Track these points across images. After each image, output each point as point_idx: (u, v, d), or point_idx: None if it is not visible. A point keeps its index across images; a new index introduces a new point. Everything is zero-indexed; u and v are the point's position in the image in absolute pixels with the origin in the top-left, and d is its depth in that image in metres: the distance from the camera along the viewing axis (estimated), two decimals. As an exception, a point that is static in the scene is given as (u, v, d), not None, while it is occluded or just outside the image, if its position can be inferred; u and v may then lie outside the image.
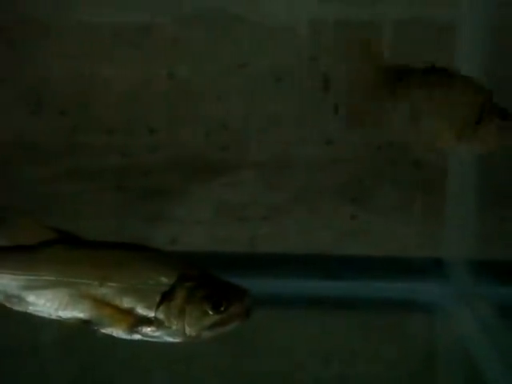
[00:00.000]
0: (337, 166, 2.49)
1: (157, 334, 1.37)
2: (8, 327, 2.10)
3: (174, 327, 1.36)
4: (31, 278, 1.38)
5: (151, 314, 1.36)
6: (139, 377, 2.12)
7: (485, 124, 1.83)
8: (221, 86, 2.47)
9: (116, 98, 2.46)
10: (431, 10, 2.40)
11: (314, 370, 2.20)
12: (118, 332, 1.38)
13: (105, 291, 1.36)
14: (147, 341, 1.40)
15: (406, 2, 2.43)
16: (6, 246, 1.41)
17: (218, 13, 2.42)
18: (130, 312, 1.36)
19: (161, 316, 1.36)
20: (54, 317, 1.40)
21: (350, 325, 2.37)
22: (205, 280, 1.38)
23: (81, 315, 1.38)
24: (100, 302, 1.36)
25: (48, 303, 1.38)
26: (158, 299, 1.36)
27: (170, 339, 1.39)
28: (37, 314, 1.41)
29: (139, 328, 1.37)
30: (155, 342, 1.40)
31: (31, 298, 1.39)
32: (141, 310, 1.36)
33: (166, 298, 1.36)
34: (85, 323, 1.39)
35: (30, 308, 1.40)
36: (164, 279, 1.37)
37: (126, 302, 1.36)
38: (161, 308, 1.36)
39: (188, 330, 1.36)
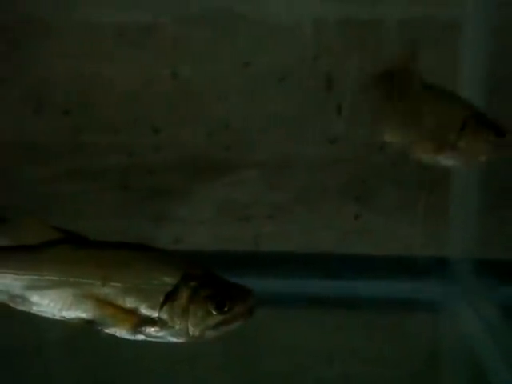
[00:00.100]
0: (340, 166, 2.49)
1: (160, 334, 1.37)
2: (12, 327, 2.11)
3: (177, 327, 1.36)
4: (35, 277, 1.38)
5: (155, 314, 1.36)
6: (142, 377, 2.12)
7: (467, 138, 1.84)
8: (224, 85, 2.47)
9: (119, 97, 2.46)
10: (434, 9, 2.40)
11: (317, 370, 2.19)
12: (122, 332, 1.38)
13: (108, 291, 1.36)
14: (150, 341, 1.40)
15: (408, 2, 2.43)
16: (10, 245, 1.42)
17: (221, 12, 2.42)
18: (133, 312, 1.36)
19: (164, 316, 1.36)
20: (57, 317, 1.40)
21: (353, 324, 2.37)
22: (208, 280, 1.38)
23: (84, 315, 1.38)
24: (103, 302, 1.36)
25: (51, 303, 1.38)
26: (161, 299, 1.35)
27: (174, 339, 1.39)
28: (40, 314, 1.41)
29: (143, 328, 1.37)
30: (158, 342, 1.40)
31: (35, 298, 1.39)
32: (144, 310, 1.36)
33: (169, 298, 1.36)
34: (88, 323, 1.38)
35: (34, 308, 1.40)
36: (167, 279, 1.36)
37: (130, 302, 1.36)
38: (164, 308, 1.35)
39: (191, 330, 1.36)
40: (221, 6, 2.42)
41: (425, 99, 1.95)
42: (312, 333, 2.33)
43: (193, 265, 1.40)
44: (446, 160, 1.91)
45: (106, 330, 1.39)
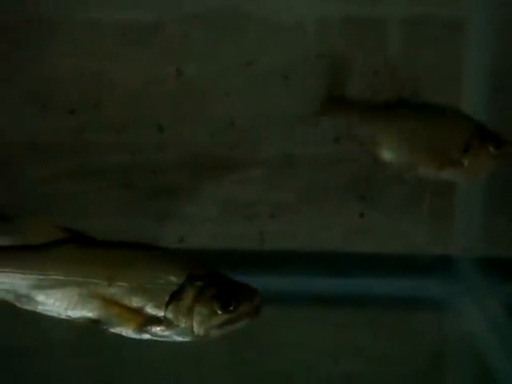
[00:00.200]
0: (345, 164, 2.48)
1: (166, 333, 1.37)
2: (15, 327, 2.11)
3: (182, 326, 1.37)
4: (40, 277, 1.38)
5: (160, 314, 1.36)
6: (146, 375, 2.12)
7: (472, 154, 1.85)
8: (227, 84, 2.47)
9: (123, 96, 2.46)
10: (437, 8, 2.40)
11: (322, 368, 2.19)
12: (127, 331, 1.38)
13: (114, 291, 1.36)
14: (156, 340, 1.40)
15: (410, 0, 2.43)
16: (16, 245, 1.42)
17: (224, 11, 2.42)
18: (138, 311, 1.36)
19: (170, 315, 1.36)
20: (63, 316, 1.40)
21: (357, 322, 2.37)
22: (214, 279, 1.38)
23: (90, 315, 1.38)
24: (109, 302, 1.36)
25: (57, 303, 1.39)
26: (166, 298, 1.36)
27: (179, 338, 1.39)
28: (46, 313, 1.41)
29: (148, 327, 1.37)
30: (163, 341, 1.40)
31: (40, 297, 1.39)
32: (150, 310, 1.36)
33: (174, 297, 1.36)
34: (94, 323, 1.39)
35: (40, 307, 1.40)
36: (173, 278, 1.37)
37: (135, 302, 1.36)
38: (170, 307, 1.36)
39: (197, 329, 1.37)
40: (224, 4, 2.42)
41: (426, 118, 1.95)
42: (316, 331, 2.32)
43: (198, 264, 1.40)
44: (449, 176, 1.91)
45: (112, 330, 1.39)
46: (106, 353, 2.09)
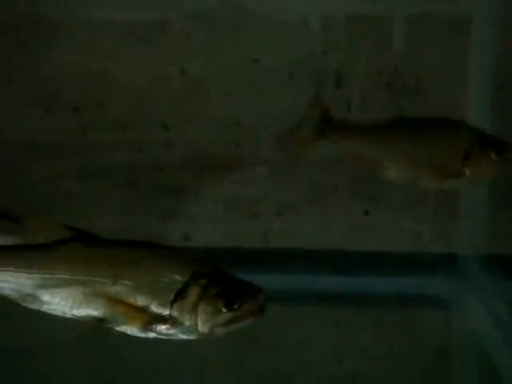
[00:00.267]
0: (350, 162, 2.48)
1: (170, 331, 1.38)
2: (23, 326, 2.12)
3: (187, 324, 1.37)
4: (46, 276, 1.39)
5: (165, 312, 1.36)
6: (148, 374, 2.12)
7: (473, 163, 1.86)
8: (232, 82, 2.47)
9: (128, 95, 2.46)
10: (444, 5, 2.40)
11: (326, 367, 2.19)
12: (132, 330, 1.38)
13: (119, 289, 1.37)
14: (159, 338, 1.40)
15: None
16: (21, 244, 1.42)
17: (229, 9, 2.42)
18: (144, 310, 1.36)
19: (175, 313, 1.36)
20: (68, 315, 1.40)
21: (362, 321, 2.36)
22: (218, 277, 1.39)
23: (95, 313, 1.38)
24: (114, 300, 1.37)
25: (62, 301, 1.39)
26: (171, 297, 1.36)
27: (184, 336, 1.39)
28: (51, 312, 1.41)
29: (153, 326, 1.37)
30: (165, 340, 1.40)
31: (46, 296, 1.39)
32: (155, 308, 1.36)
33: (179, 295, 1.36)
34: (99, 321, 1.39)
35: (45, 306, 1.40)
36: (177, 277, 1.37)
37: (140, 300, 1.36)
38: (175, 306, 1.36)
39: (201, 328, 1.37)
40: (229, 2, 2.42)
41: (425, 133, 1.96)
42: (320, 329, 2.33)
43: (202, 262, 1.41)
44: (452, 185, 1.92)
45: (117, 328, 1.39)
46: (108, 351, 2.10)
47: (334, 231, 2.55)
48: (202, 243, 2.54)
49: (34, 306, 1.40)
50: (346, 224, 2.55)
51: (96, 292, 1.37)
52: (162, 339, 1.40)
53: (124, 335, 1.39)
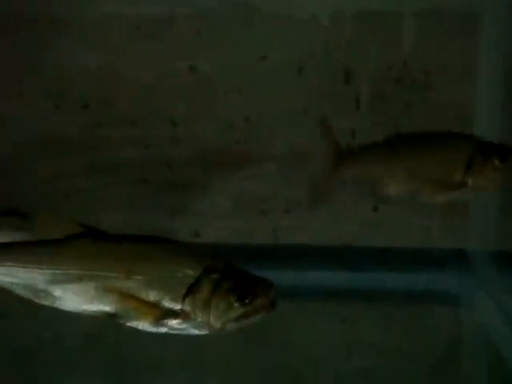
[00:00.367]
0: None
1: (182, 326, 1.38)
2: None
3: (199, 319, 1.37)
4: (58, 272, 1.39)
5: (177, 307, 1.36)
6: (157, 369, 2.12)
7: (476, 172, 1.84)
8: (241, 78, 2.47)
9: (137, 91, 2.46)
10: (453, 1, 2.39)
11: (335, 363, 2.19)
12: (144, 325, 1.39)
13: (131, 284, 1.37)
14: (170, 333, 1.40)
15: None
16: (33, 240, 1.42)
17: (238, 5, 2.42)
18: (155, 305, 1.36)
19: (187, 308, 1.36)
20: (80, 311, 1.40)
21: (371, 317, 2.36)
22: (230, 272, 1.39)
23: (107, 309, 1.39)
24: (126, 296, 1.37)
25: (74, 297, 1.39)
26: (183, 292, 1.36)
27: (196, 331, 1.39)
28: (63, 308, 1.41)
29: (165, 321, 1.37)
30: (175, 335, 1.40)
31: (58, 292, 1.40)
32: (167, 303, 1.36)
33: (191, 290, 1.36)
34: (111, 317, 1.39)
35: (57, 302, 1.40)
36: (189, 272, 1.37)
37: (152, 295, 1.37)
38: (187, 300, 1.36)
39: (213, 322, 1.37)
40: (237, -2, 2.42)
41: (425, 148, 1.95)
42: (329, 325, 2.32)
43: (214, 257, 1.41)
44: (457, 196, 1.91)
45: (129, 323, 1.39)
46: (121, 345, 2.10)
47: (343, 227, 2.55)
48: (211, 239, 2.54)
49: (46, 302, 1.41)
50: (355, 220, 2.54)
51: (108, 287, 1.37)
52: (170, 334, 1.40)
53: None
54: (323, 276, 2.52)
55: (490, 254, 2.52)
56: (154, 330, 1.39)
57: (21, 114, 2.47)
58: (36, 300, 1.41)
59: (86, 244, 1.41)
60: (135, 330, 1.40)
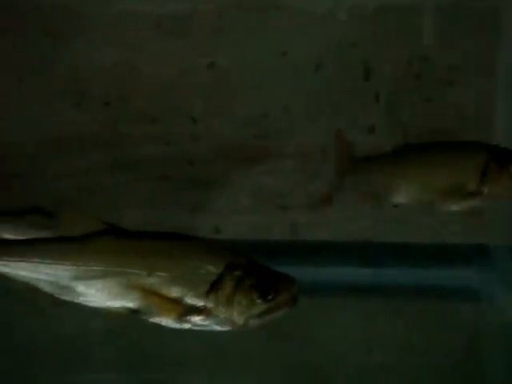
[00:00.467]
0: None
1: (205, 322, 1.38)
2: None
3: (222, 316, 1.37)
4: (81, 268, 1.40)
5: (200, 303, 1.37)
6: (180, 365, 2.13)
7: (492, 180, 1.83)
8: (261, 74, 2.47)
9: (157, 88, 2.47)
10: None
11: (356, 359, 2.19)
12: (167, 321, 1.39)
13: (153, 281, 1.37)
14: (191, 329, 1.41)
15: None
16: (57, 237, 1.43)
17: (258, 1, 2.42)
18: (178, 301, 1.37)
19: (209, 305, 1.37)
20: (103, 306, 1.41)
21: (392, 312, 2.36)
22: (252, 269, 1.39)
23: (130, 305, 1.39)
24: (149, 292, 1.37)
25: (97, 293, 1.40)
26: (206, 288, 1.36)
27: (218, 328, 1.40)
28: (86, 303, 1.42)
29: (188, 317, 1.38)
30: (199, 330, 1.41)
31: (81, 288, 1.40)
32: (190, 299, 1.37)
33: (214, 286, 1.37)
34: (134, 313, 1.40)
35: (80, 298, 1.41)
36: (212, 268, 1.37)
37: (175, 292, 1.37)
38: (210, 297, 1.36)
39: (236, 319, 1.37)
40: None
41: (437, 157, 1.94)
42: (350, 321, 2.32)
43: (236, 254, 1.41)
44: (471, 204, 1.90)
45: (151, 320, 1.40)
46: (142, 339, 2.11)
47: (363, 223, 2.55)
48: (231, 236, 2.54)
49: (69, 298, 1.41)
50: (376, 215, 2.54)
51: (131, 284, 1.38)
52: (193, 330, 1.41)
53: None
54: (343, 272, 2.52)
55: (511, 249, 2.52)
56: (176, 326, 1.40)
57: (40, 110, 2.48)
58: (60, 296, 1.42)
59: (110, 241, 1.42)
60: (158, 326, 1.41)
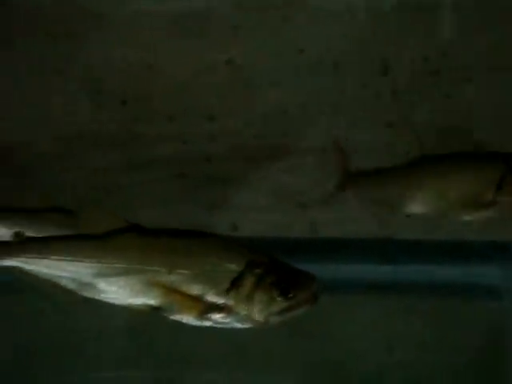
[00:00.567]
0: (396, 150, 2.47)
1: (226, 320, 1.39)
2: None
3: (242, 313, 1.38)
4: (103, 265, 1.40)
5: (221, 301, 1.37)
6: (201, 362, 2.14)
7: (508, 192, 1.82)
8: (278, 72, 2.47)
9: (174, 86, 2.47)
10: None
11: (377, 356, 2.19)
12: (188, 319, 1.39)
13: (174, 278, 1.38)
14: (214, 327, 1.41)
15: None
16: (79, 234, 1.44)
17: (275, -1, 2.42)
18: (199, 298, 1.37)
19: (230, 302, 1.37)
20: (124, 304, 1.42)
21: (413, 310, 2.35)
22: (272, 266, 1.39)
23: (151, 302, 1.40)
24: (170, 289, 1.38)
25: (119, 290, 1.41)
26: (227, 286, 1.37)
27: (239, 325, 1.40)
28: (108, 301, 1.43)
29: (209, 314, 1.38)
30: (220, 328, 1.41)
31: (102, 285, 1.41)
32: (210, 297, 1.37)
33: (235, 284, 1.37)
34: (155, 310, 1.40)
35: (102, 295, 1.42)
36: (233, 266, 1.38)
37: (196, 289, 1.37)
38: (230, 294, 1.37)
39: (257, 316, 1.38)
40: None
41: (452, 169, 1.94)
42: (370, 318, 2.32)
43: (256, 251, 1.41)
44: (486, 215, 1.89)
45: (172, 317, 1.40)
46: (160, 336, 2.11)
47: (383, 220, 2.54)
48: (249, 233, 2.54)
49: (91, 295, 1.42)
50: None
51: (152, 281, 1.38)
52: (214, 327, 1.41)
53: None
54: (364, 269, 2.52)
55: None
56: (197, 323, 1.40)
57: (57, 110, 2.49)
58: (81, 293, 1.42)
59: (132, 238, 1.42)
60: (179, 324, 1.41)
